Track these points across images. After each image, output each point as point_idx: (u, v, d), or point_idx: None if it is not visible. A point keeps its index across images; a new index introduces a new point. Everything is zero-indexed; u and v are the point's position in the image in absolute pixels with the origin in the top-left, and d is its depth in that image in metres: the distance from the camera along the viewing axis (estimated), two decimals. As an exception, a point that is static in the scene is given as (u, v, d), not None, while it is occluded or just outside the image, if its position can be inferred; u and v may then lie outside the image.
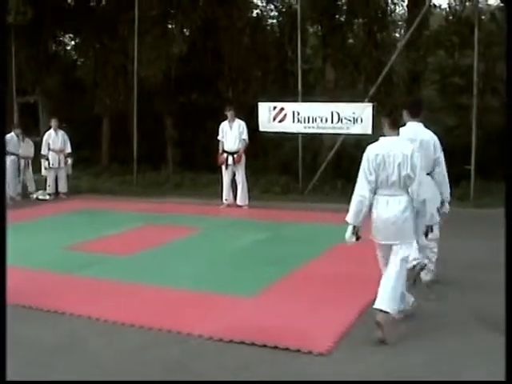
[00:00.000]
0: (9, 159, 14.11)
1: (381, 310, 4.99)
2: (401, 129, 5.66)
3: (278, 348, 4.80)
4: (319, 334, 5.13)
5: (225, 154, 12.88)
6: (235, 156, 12.75)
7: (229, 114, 12.90)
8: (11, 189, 13.99)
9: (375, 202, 5.43)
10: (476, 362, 4.49)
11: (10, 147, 14.57)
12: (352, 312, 5.65)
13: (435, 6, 17.08)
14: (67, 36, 22.54)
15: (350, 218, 5.55)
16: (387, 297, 5.08)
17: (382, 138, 5.51)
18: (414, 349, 4.82)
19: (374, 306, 5.05)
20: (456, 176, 13.64)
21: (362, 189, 5.42)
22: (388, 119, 5.51)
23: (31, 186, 15.14)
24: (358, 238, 5.61)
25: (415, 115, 6.39)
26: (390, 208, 5.33)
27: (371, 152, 5.44)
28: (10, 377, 4.40)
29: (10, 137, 14.88)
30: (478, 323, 5.32)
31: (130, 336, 5.26)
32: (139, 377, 4.38)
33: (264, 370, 4.49)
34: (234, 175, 12.96)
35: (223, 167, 12.96)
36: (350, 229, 5.59)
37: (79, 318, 5.73)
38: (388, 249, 5.48)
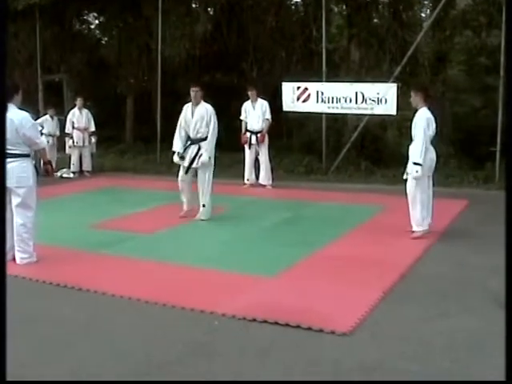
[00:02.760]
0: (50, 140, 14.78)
1: None
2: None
3: (300, 327, 4.81)
4: (342, 315, 5.12)
5: (248, 134, 12.85)
6: (258, 136, 12.72)
7: (250, 93, 12.85)
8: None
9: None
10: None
11: (47, 129, 14.81)
12: (375, 293, 5.64)
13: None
14: (91, 15, 22.57)
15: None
16: None
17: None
18: (438, 331, 4.80)
19: None
20: (481, 157, 13.60)
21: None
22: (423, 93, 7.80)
23: (56, 165, 15.26)
24: None
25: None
26: None
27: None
28: (29, 355, 4.47)
29: (45, 119, 15.08)
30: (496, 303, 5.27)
31: (153, 314, 5.29)
32: (162, 356, 4.40)
33: (287, 348, 4.50)
34: (257, 155, 12.94)
35: (246, 147, 12.94)
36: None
37: (103, 296, 5.77)
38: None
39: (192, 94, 9.36)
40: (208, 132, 9.33)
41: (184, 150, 9.32)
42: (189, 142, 9.32)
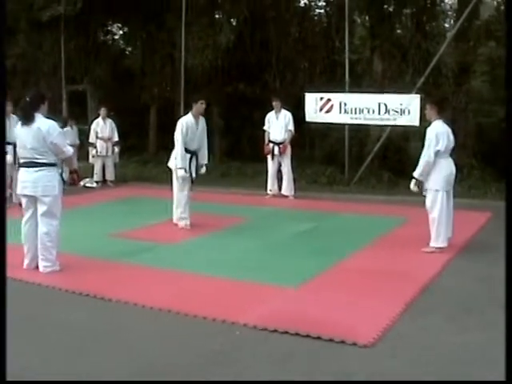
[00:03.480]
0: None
1: None
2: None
3: (321, 338, 4.80)
4: (364, 327, 5.10)
5: (271, 145, 12.87)
6: (281, 146, 12.73)
7: (275, 104, 12.88)
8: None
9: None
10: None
11: (68, 139, 14.94)
12: (397, 306, 5.61)
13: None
14: (115, 25, 22.77)
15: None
16: None
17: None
18: (458, 345, 4.76)
19: None
20: (505, 169, 13.47)
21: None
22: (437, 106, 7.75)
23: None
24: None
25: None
26: None
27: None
28: (52, 361, 4.50)
29: (66, 130, 15.23)
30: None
31: (174, 324, 5.30)
32: (183, 366, 4.41)
33: (307, 359, 4.50)
34: (280, 166, 12.95)
35: (269, 157, 12.95)
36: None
37: (125, 305, 5.80)
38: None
39: (202, 106, 9.43)
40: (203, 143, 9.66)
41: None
42: (188, 155, 9.41)
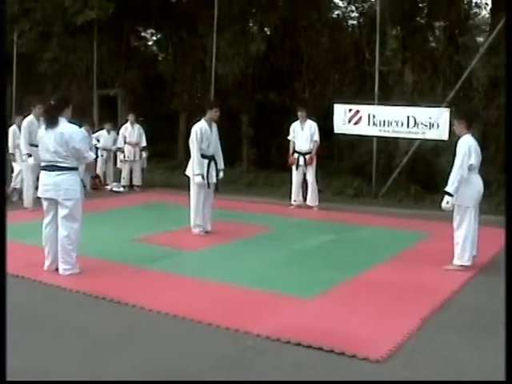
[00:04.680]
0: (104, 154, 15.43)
1: None
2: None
3: (333, 352, 4.76)
4: (377, 341, 5.05)
5: (296, 155, 12.83)
6: (307, 157, 12.68)
7: (300, 114, 12.82)
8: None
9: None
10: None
11: (103, 143, 15.12)
12: (413, 321, 5.54)
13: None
14: (148, 31, 22.95)
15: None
16: None
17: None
18: (473, 363, 4.69)
19: None
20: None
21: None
22: (465, 121, 7.64)
23: (109, 179, 15.49)
24: None
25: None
26: None
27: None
28: (67, 363, 4.53)
29: (101, 133, 15.40)
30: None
31: (188, 331, 5.30)
32: (194, 373, 4.41)
33: (318, 372, 4.46)
34: (305, 176, 12.90)
35: (293, 168, 12.91)
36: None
37: (141, 310, 5.81)
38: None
39: (216, 114, 9.55)
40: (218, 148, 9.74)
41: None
42: (206, 161, 9.46)
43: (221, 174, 9.77)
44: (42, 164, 7.02)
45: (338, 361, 4.64)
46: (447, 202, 7.44)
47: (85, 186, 7.21)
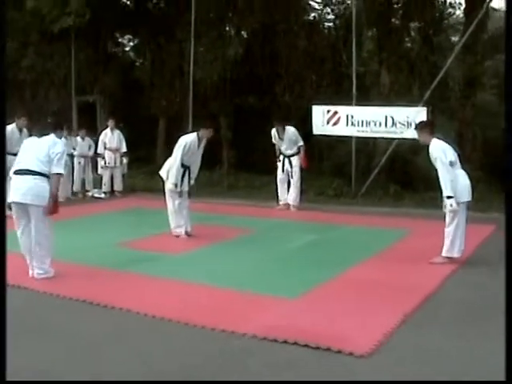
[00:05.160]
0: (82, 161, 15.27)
1: None
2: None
3: (319, 348, 4.84)
4: (362, 337, 5.14)
5: (281, 156, 12.95)
6: (300, 163, 12.90)
7: (276, 127, 12.98)
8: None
9: None
10: None
11: (79, 150, 15.10)
12: (396, 317, 5.64)
13: (494, 9, 16.82)
14: (126, 37, 22.96)
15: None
16: None
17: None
18: (455, 355, 4.80)
19: None
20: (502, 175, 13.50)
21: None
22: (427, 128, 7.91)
23: (89, 185, 15.49)
24: None
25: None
26: None
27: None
28: (55, 366, 4.58)
29: (74, 140, 15.38)
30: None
31: (175, 332, 5.36)
32: (182, 372, 4.47)
33: (305, 368, 4.55)
34: (290, 177, 13.00)
35: (279, 169, 13.03)
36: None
37: (127, 313, 5.87)
38: None
39: (210, 134, 9.71)
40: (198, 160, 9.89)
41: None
42: (182, 170, 9.57)
43: (192, 182, 9.86)
44: (16, 168, 7.01)
45: (325, 357, 4.72)
46: (451, 205, 7.61)
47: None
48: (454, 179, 7.64)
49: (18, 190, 6.85)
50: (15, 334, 5.01)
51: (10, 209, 7.04)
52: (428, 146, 7.81)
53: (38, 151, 6.82)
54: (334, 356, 4.73)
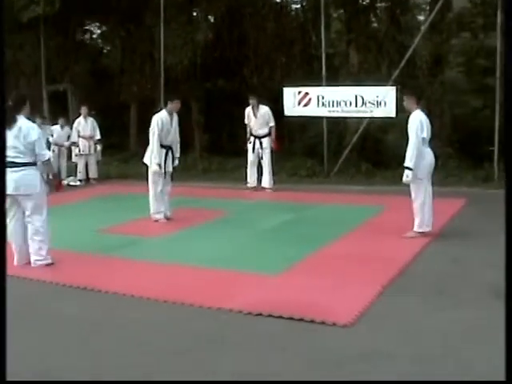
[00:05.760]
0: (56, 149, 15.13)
1: None
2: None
3: (303, 320, 5.05)
4: (343, 309, 5.37)
5: (252, 138, 13.08)
6: (263, 141, 12.98)
7: (251, 102, 13.06)
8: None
9: None
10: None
11: (56, 138, 15.07)
12: (374, 288, 5.88)
13: (459, -13, 17.05)
14: (94, 25, 22.86)
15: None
16: None
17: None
18: (434, 322, 5.05)
19: None
20: (481, 157, 13.84)
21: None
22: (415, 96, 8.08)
23: (64, 173, 15.51)
24: None
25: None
26: None
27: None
28: (49, 350, 4.72)
29: (54, 128, 15.34)
30: (492, 296, 5.47)
31: (163, 311, 5.53)
32: (174, 348, 4.64)
33: (291, 339, 4.76)
34: (260, 159, 13.16)
35: (250, 150, 13.15)
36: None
37: (114, 295, 6.02)
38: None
39: (177, 105, 9.82)
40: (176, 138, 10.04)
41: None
42: (164, 150, 9.70)
43: (176, 162, 10.02)
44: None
45: (309, 329, 4.93)
46: (407, 176, 7.87)
47: (47, 183, 7.28)
48: (419, 156, 7.87)
49: (7, 182, 6.91)
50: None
51: None
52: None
53: (17, 142, 6.71)
54: (318, 327, 4.94)
